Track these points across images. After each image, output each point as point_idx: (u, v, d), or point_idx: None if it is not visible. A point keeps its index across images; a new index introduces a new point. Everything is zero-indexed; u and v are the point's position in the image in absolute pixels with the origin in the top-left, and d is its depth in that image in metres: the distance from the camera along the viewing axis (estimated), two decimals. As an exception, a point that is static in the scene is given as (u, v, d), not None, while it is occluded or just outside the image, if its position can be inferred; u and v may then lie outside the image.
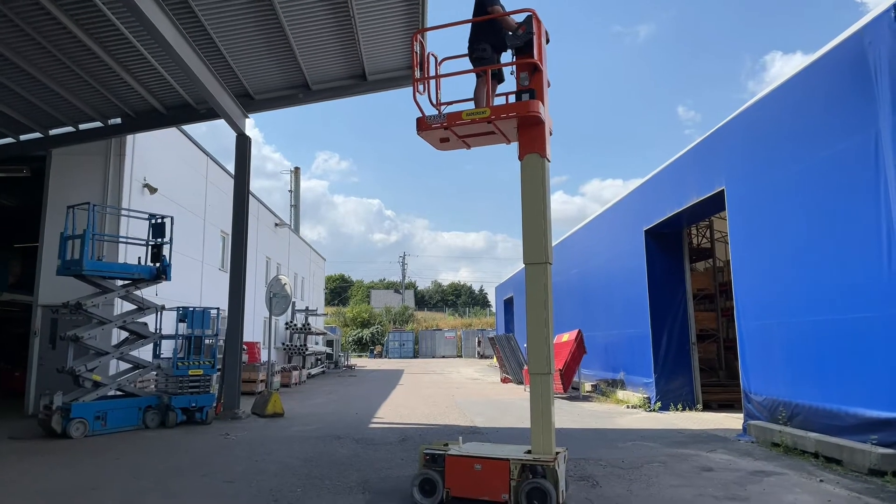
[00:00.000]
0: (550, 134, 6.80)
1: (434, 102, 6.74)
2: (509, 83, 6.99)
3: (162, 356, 12.94)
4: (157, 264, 12.42)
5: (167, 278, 12.37)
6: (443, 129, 6.52)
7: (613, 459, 8.42)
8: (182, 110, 14.90)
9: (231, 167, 14.27)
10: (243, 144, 14.03)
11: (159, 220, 12.63)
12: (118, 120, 14.96)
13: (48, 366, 13.82)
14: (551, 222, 6.63)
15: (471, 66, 6.94)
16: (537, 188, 6.56)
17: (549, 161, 6.67)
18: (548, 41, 6.76)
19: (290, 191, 47.10)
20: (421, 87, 6.64)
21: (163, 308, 12.50)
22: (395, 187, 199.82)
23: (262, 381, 18.63)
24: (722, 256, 17.75)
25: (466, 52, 6.95)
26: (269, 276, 27.06)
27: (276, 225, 29.81)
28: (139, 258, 12.51)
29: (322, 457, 8.70)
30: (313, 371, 28.51)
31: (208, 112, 14.56)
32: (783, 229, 9.54)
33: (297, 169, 47.67)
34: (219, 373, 13.53)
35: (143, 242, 12.57)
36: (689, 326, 14.63)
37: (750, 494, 6.50)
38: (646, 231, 14.93)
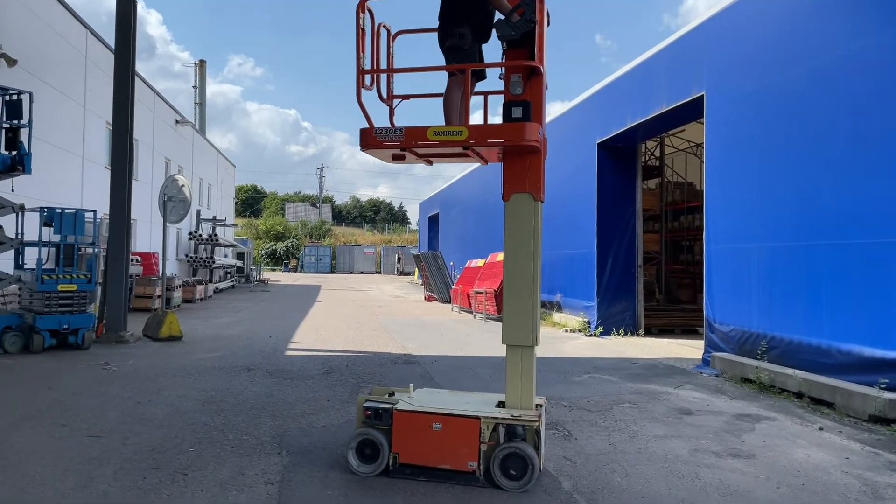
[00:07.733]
0: (545, 157, 4.85)
1: (384, 97, 4.78)
2: (492, 80, 4.94)
3: (26, 267, 10.58)
4: (13, 152, 9.85)
5: (25, 171, 9.82)
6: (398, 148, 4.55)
7: (576, 398, 7.25)
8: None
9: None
10: (126, 5, 11.12)
11: (14, 96, 9.92)
12: (-43, -36, 11.61)
13: None
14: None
15: (439, 49, 4.87)
16: (526, 243, 4.76)
17: (542, 202, 4.84)
18: (548, 24, 4.65)
19: (195, 87, 42.42)
20: (368, 80, 4.56)
21: (22, 208, 10.02)
22: (315, 98, 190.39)
23: (159, 296, 16.39)
24: (670, 176, 16.82)
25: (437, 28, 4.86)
26: (169, 179, 24.09)
27: (178, 122, 26.40)
28: (-13, 143, 9.85)
29: (227, 397, 7.00)
30: (221, 285, 26.23)
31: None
32: (774, 142, 8.32)
33: (202, 62, 42.80)
34: (99, 288, 11.32)
35: (-8, 123, 9.87)
36: (637, 248, 13.66)
37: (752, 449, 5.43)
38: (599, 144, 13.54)
